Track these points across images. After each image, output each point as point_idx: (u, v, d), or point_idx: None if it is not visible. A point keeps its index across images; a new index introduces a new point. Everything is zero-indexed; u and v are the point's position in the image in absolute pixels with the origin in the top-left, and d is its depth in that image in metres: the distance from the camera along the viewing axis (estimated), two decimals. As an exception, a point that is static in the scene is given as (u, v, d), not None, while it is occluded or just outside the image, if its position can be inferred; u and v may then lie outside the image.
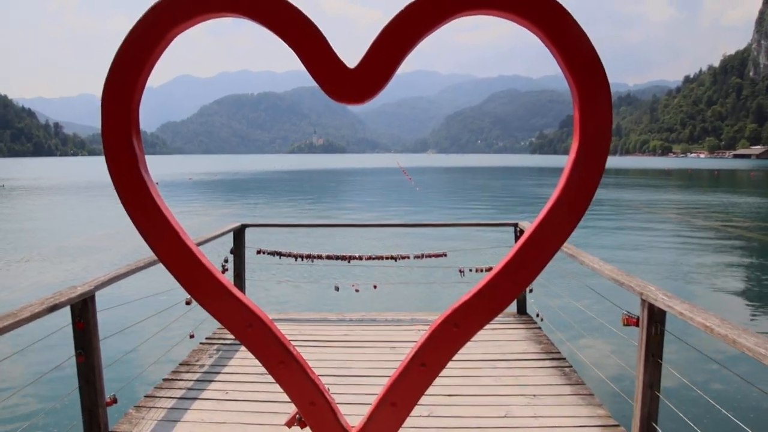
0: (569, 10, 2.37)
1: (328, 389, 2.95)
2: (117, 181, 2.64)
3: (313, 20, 2.52)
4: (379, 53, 2.53)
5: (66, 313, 3.61)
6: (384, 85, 2.60)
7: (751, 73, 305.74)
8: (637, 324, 3.73)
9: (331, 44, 2.58)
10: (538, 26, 2.39)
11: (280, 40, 2.56)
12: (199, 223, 23.66)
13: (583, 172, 2.53)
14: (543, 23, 2.38)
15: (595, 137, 2.46)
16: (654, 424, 3.60)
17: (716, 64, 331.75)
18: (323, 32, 2.56)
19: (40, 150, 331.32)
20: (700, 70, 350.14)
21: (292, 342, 2.86)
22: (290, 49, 2.57)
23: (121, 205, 2.62)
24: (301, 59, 2.56)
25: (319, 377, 2.93)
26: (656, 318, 3.56)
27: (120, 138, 2.61)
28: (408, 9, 2.51)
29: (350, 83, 2.54)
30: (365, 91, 2.56)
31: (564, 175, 2.58)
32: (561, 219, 2.58)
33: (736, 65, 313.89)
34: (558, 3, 2.37)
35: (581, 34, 2.37)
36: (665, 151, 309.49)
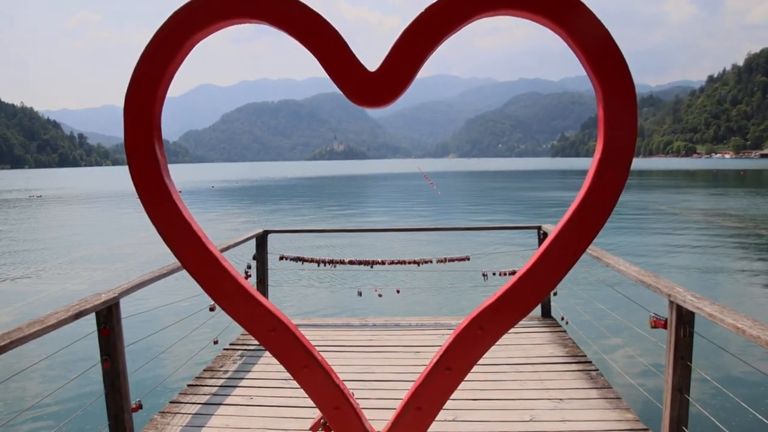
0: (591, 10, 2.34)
1: (353, 394, 2.94)
2: (140, 189, 2.66)
3: (333, 25, 2.53)
4: (400, 56, 2.52)
5: (91, 319, 3.64)
6: (405, 87, 2.59)
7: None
8: (665, 326, 3.67)
9: (352, 48, 2.59)
10: (561, 26, 2.37)
11: (301, 45, 2.56)
12: (222, 231, 23.83)
13: (608, 174, 2.50)
14: (565, 23, 2.35)
15: (621, 137, 2.43)
16: (684, 428, 3.53)
17: (741, 63, 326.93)
18: (343, 36, 2.56)
19: (65, 161, 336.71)
20: (724, 69, 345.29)
21: (315, 347, 2.85)
22: (311, 53, 2.58)
23: (145, 213, 2.63)
24: (321, 64, 2.56)
25: (344, 382, 2.92)
26: (685, 320, 3.49)
27: (143, 146, 2.63)
28: (427, 11, 2.50)
29: (371, 87, 2.54)
30: (386, 94, 2.56)
31: (588, 177, 2.54)
32: (586, 221, 2.55)
33: (761, 63, 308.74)
34: (580, 2, 2.35)
35: (604, 33, 2.34)
36: (689, 152, 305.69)
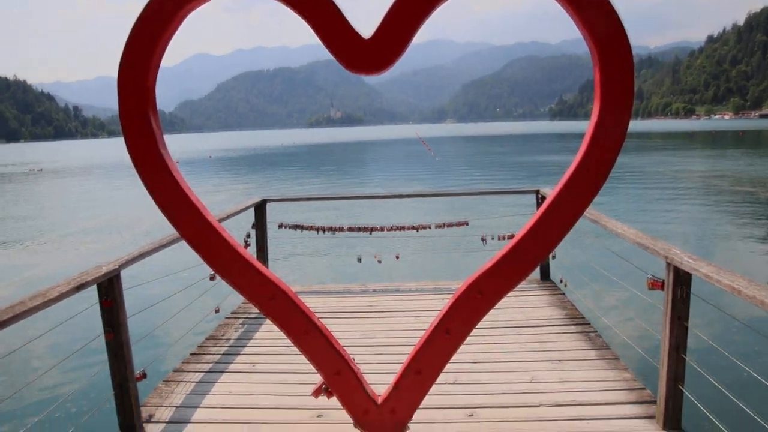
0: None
1: (354, 359, 2.98)
2: (137, 161, 2.66)
3: (326, -10, 2.50)
4: (394, 22, 2.50)
5: (93, 291, 3.66)
6: (400, 54, 2.58)
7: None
8: (662, 287, 3.70)
9: (346, 16, 2.56)
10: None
11: (295, 13, 2.54)
12: (221, 200, 23.82)
13: (605, 137, 2.50)
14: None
15: (617, 101, 2.43)
16: (680, 386, 3.59)
17: (741, 22, 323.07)
18: (337, 4, 2.53)
19: (60, 133, 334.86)
20: (724, 29, 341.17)
21: (315, 314, 2.88)
22: (305, 22, 2.56)
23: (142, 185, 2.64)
24: (316, 32, 2.54)
25: (344, 347, 2.96)
26: (682, 281, 3.52)
27: (138, 118, 2.62)
28: (422, -25, 2.47)
29: (366, 54, 2.53)
30: (381, 61, 2.55)
31: (585, 140, 2.55)
32: (583, 184, 2.56)
33: (762, 21, 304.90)
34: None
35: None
36: (688, 114, 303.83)
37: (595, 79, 2.49)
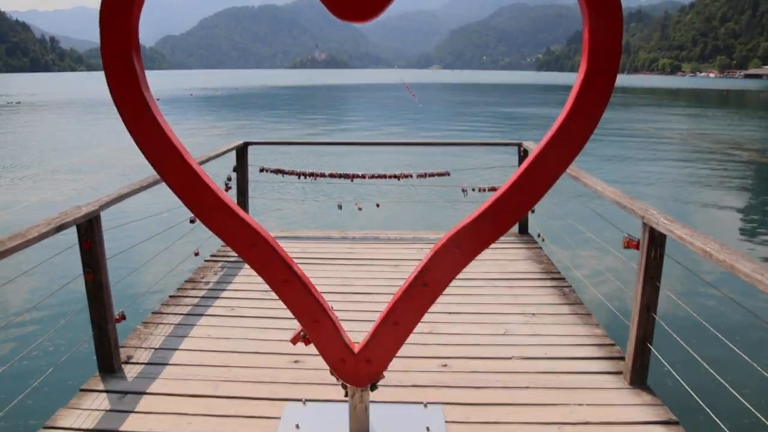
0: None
1: (332, 307, 3.02)
2: (118, 102, 2.61)
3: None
4: (384, -32, 2.44)
5: (72, 232, 3.64)
6: (388, 2, 2.52)
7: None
8: (637, 247, 3.76)
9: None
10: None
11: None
12: (202, 141, 23.54)
13: (591, 94, 2.49)
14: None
15: (604, 58, 2.41)
16: (648, 344, 3.69)
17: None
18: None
19: (36, 65, 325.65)
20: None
21: (294, 260, 2.90)
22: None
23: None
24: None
25: (323, 294, 2.99)
26: (657, 242, 3.58)
27: (120, 57, 2.56)
28: None
29: (354, 1, 2.47)
30: (370, 8, 2.49)
31: (571, 97, 2.54)
32: (567, 141, 2.56)
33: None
34: None
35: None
36: (674, 70, 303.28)
37: (583, 37, 2.46)
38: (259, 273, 2.83)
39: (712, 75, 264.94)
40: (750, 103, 67.98)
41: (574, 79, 2.55)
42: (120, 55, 2.56)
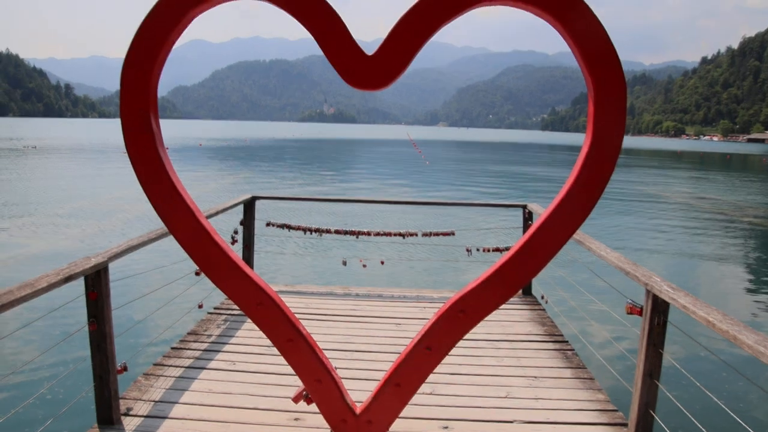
0: (591, 8, 2.38)
1: (334, 366, 3.03)
2: (134, 159, 2.69)
3: (334, 8, 2.54)
4: (397, 42, 2.56)
5: (79, 281, 3.68)
6: (401, 72, 2.63)
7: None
8: (640, 313, 3.78)
9: (351, 31, 2.61)
10: (561, 23, 2.40)
11: (304, 27, 2.58)
12: (209, 192, 23.73)
13: (595, 167, 2.57)
14: (566, 21, 2.39)
15: (608, 135, 2.49)
16: (651, 412, 3.67)
17: (735, 46, 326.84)
18: (343, 19, 2.58)
19: (50, 111, 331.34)
20: (718, 52, 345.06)
21: (297, 315, 2.92)
22: (311, 35, 2.60)
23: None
24: (321, 46, 2.58)
25: (325, 352, 3.00)
26: (660, 309, 3.60)
27: (139, 117, 2.65)
28: (427, -1, 2.52)
29: (368, 71, 2.57)
30: (383, 78, 2.60)
31: (576, 168, 2.61)
32: (573, 209, 2.62)
33: (755, 47, 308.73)
34: (582, 1, 2.38)
35: (603, 36, 2.38)
36: (678, 133, 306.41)
37: (588, 111, 2.55)
38: (264, 331, 2.86)
39: (715, 139, 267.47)
40: (752, 167, 68.40)
41: (578, 139, 2.64)
42: (139, 114, 2.65)
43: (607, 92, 2.42)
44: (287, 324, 2.81)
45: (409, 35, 2.55)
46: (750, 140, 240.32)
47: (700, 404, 4.90)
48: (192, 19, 2.70)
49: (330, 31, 2.56)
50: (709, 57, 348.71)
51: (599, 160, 2.57)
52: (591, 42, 2.39)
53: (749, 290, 12.64)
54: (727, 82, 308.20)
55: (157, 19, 2.61)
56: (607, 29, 2.46)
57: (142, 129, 2.67)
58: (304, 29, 2.59)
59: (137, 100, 2.66)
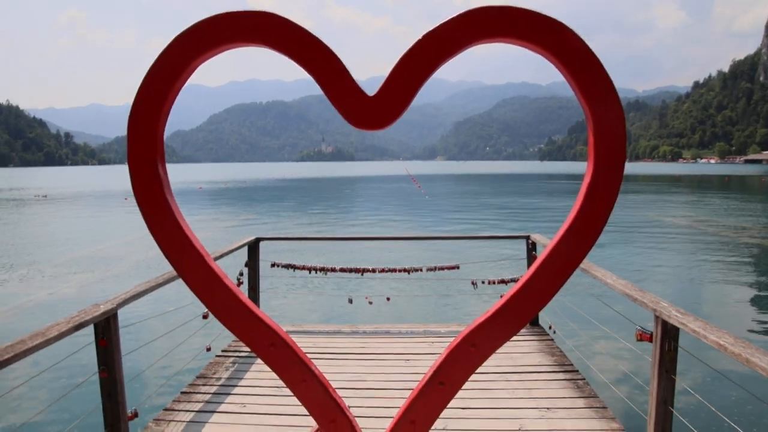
0: (586, 42, 2.44)
1: (347, 405, 3.02)
2: (143, 206, 2.73)
3: (334, 50, 2.60)
4: (398, 82, 2.60)
5: (88, 328, 3.69)
6: (402, 111, 2.68)
7: (761, 78, 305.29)
8: (650, 340, 3.78)
9: (351, 73, 2.67)
10: (556, 57, 2.46)
11: (303, 69, 2.64)
12: (212, 235, 23.78)
13: (598, 196, 2.60)
14: (562, 56, 2.45)
15: (610, 164, 2.53)
16: (668, 439, 3.64)
17: (726, 69, 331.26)
18: (343, 61, 2.64)
19: (51, 159, 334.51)
20: (710, 75, 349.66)
21: (306, 354, 2.92)
22: (312, 77, 2.66)
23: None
24: (322, 88, 2.63)
25: (336, 391, 3.00)
26: (670, 334, 3.60)
27: (146, 165, 2.69)
28: (425, 39, 2.58)
29: (370, 111, 2.62)
30: (384, 118, 2.64)
31: (579, 199, 2.64)
32: (578, 238, 2.64)
33: (746, 70, 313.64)
34: (577, 36, 2.44)
35: (599, 68, 2.44)
36: (675, 157, 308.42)
37: (588, 141, 2.60)
38: (277, 372, 2.86)
39: (712, 161, 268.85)
40: (751, 188, 68.59)
41: (576, 167, 2.68)
42: (146, 162, 2.69)
43: (607, 122, 2.47)
44: (300, 364, 2.81)
45: (409, 75, 2.60)
46: (747, 161, 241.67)
47: (715, 429, 4.85)
48: (195, 68, 2.75)
49: (331, 74, 2.61)
50: (701, 81, 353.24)
51: (602, 190, 2.60)
52: (587, 74, 2.44)
53: (757, 311, 12.58)
54: (721, 104, 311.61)
55: (161, 69, 2.67)
56: (599, 58, 2.52)
57: (150, 176, 2.71)
58: (301, 70, 2.65)
59: (144, 149, 2.70)
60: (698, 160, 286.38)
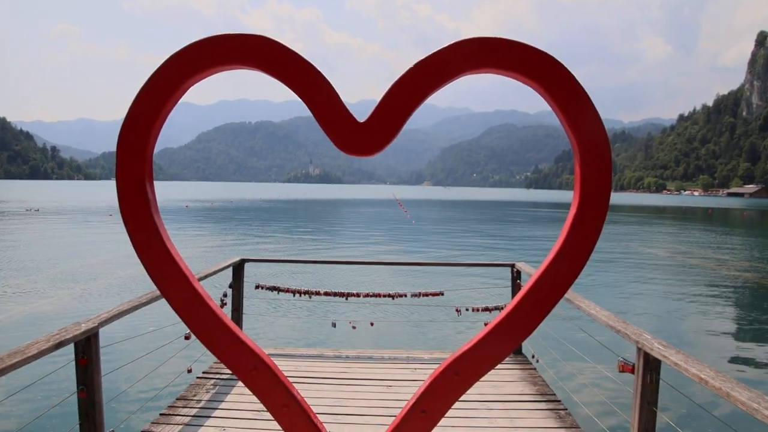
0: (575, 75, 2.48)
1: (328, 430, 2.99)
2: (129, 226, 2.71)
3: (325, 75, 2.63)
4: (388, 109, 2.63)
5: (69, 347, 3.64)
6: (392, 138, 2.69)
7: (744, 113, 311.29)
8: (632, 371, 3.79)
9: (342, 97, 2.69)
10: (544, 88, 2.50)
11: (295, 94, 2.66)
12: (197, 253, 23.62)
13: (584, 225, 2.62)
14: (548, 87, 2.49)
15: (595, 197, 2.56)
16: (648, 472, 3.64)
17: (710, 103, 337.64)
18: (335, 87, 2.66)
19: (36, 173, 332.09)
20: (694, 109, 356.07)
21: (288, 378, 2.90)
22: (303, 101, 2.67)
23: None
24: (312, 112, 2.65)
25: (317, 416, 2.97)
26: (651, 366, 3.62)
27: (134, 186, 2.69)
28: (416, 67, 2.61)
29: (360, 137, 2.63)
30: (374, 145, 2.65)
31: (565, 229, 2.66)
32: (562, 271, 2.66)
33: (729, 105, 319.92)
34: (565, 68, 2.48)
35: (586, 100, 2.48)
36: (659, 188, 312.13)
37: (575, 173, 2.63)
38: (258, 396, 2.83)
39: (696, 193, 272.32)
40: (734, 221, 69.42)
41: (562, 196, 2.71)
42: (134, 182, 2.69)
43: (593, 154, 2.50)
44: (282, 389, 2.79)
45: (399, 104, 2.63)
46: (730, 194, 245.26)
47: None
48: (188, 89, 2.76)
49: (322, 100, 2.63)
50: (686, 114, 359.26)
51: (588, 221, 2.63)
52: (574, 106, 2.48)
53: (737, 343, 12.65)
54: (705, 138, 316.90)
55: (154, 88, 2.68)
56: (587, 88, 2.57)
57: (138, 196, 2.70)
58: (290, 92, 2.66)
59: (133, 169, 2.70)
60: (682, 192, 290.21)
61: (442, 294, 7.53)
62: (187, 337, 5.81)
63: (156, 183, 2.93)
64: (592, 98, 2.58)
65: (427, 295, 7.49)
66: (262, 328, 11.67)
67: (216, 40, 2.67)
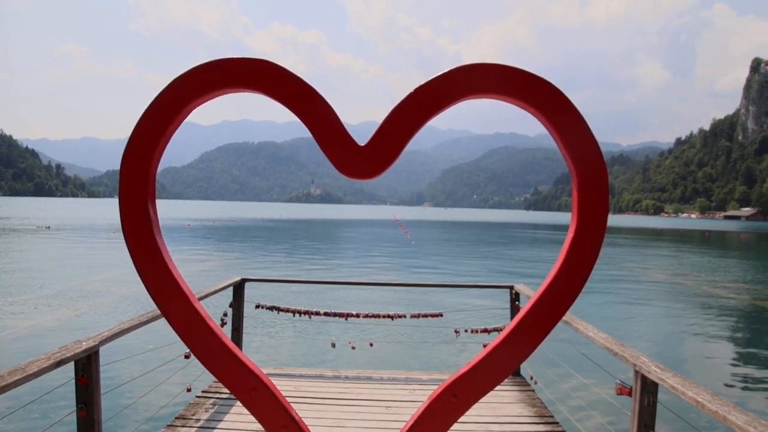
0: (573, 101, 2.53)
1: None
2: (131, 246, 2.74)
3: (327, 100, 2.68)
4: (388, 133, 2.67)
5: (69, 364, 3.65)
6: (392, 162, 2.74)
7: (740, 137, 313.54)
8: (629, 394, 3.80)
9: (343, 119, 2.74)
10: (543, 114, 2.55)
11: (297, 118, 2.70)
12: (198, 272, 23.62)
13: (582, 249, 2.65)
14: (547, 113, 2.53)
15: (593, 221, 2.60)
16: (646, 496, 3.63)
17: (707, 127, 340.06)
18: (336, 110, 2.71)
19: (40, 190, 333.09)
20: (691, 133, 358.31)
21: (287, 399, 2.91)
22: (304, 125, 2.72)
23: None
24: (314, 136, 2.69)
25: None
26: (649, 389, 3.63)
27: (137, 206, 2.72)
28: (416, 92, 2.65)
29: (360, 161, 2.68)
30: (374, 168, 2.70)
31: (563, 252, 2.69)
32: (560, 293, 2.69)
33: (725, 129, 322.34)
34: (561, 93, 2.53)
35: (583, 126, 2.53)
36: (657, 211, 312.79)
37: (573, 197, 2.67)
38: (257, 417, 2.84)
39: (693, 216, 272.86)
40: (731, 244, 69.44)
41: (560, 218, 2.74)
42: (137, 203, 2.72)
43: (590, 178, 2.55)
44: (281, 410, 2.80)
45: (399, 128, 2.67)
46: (726, 217, 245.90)
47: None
48: (191, 111, 2.81)
49: (324, 124, 2.67)
50: (683, 138, 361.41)
51: (586, 244, 2.66)
52: (571, 132, 2.53)
53: (733, 365, 12.61)
54: (702, 161, 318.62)
55: (158, 110, 2.72)
56: (585, 113, 2.61)
57: (140, 217, 2.73)
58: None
59: (136, 190, 2.73)
60: (679, 214, 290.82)
61: (442, 315, 7.53)
62: (186, 356, 5.81)
63: (159, 201, 2.97)
64: (591, 122, 2.63)
65: (426, 316, 7.49)
66: (262, 347, 11.65)
67: (220, 64, 2.72)
